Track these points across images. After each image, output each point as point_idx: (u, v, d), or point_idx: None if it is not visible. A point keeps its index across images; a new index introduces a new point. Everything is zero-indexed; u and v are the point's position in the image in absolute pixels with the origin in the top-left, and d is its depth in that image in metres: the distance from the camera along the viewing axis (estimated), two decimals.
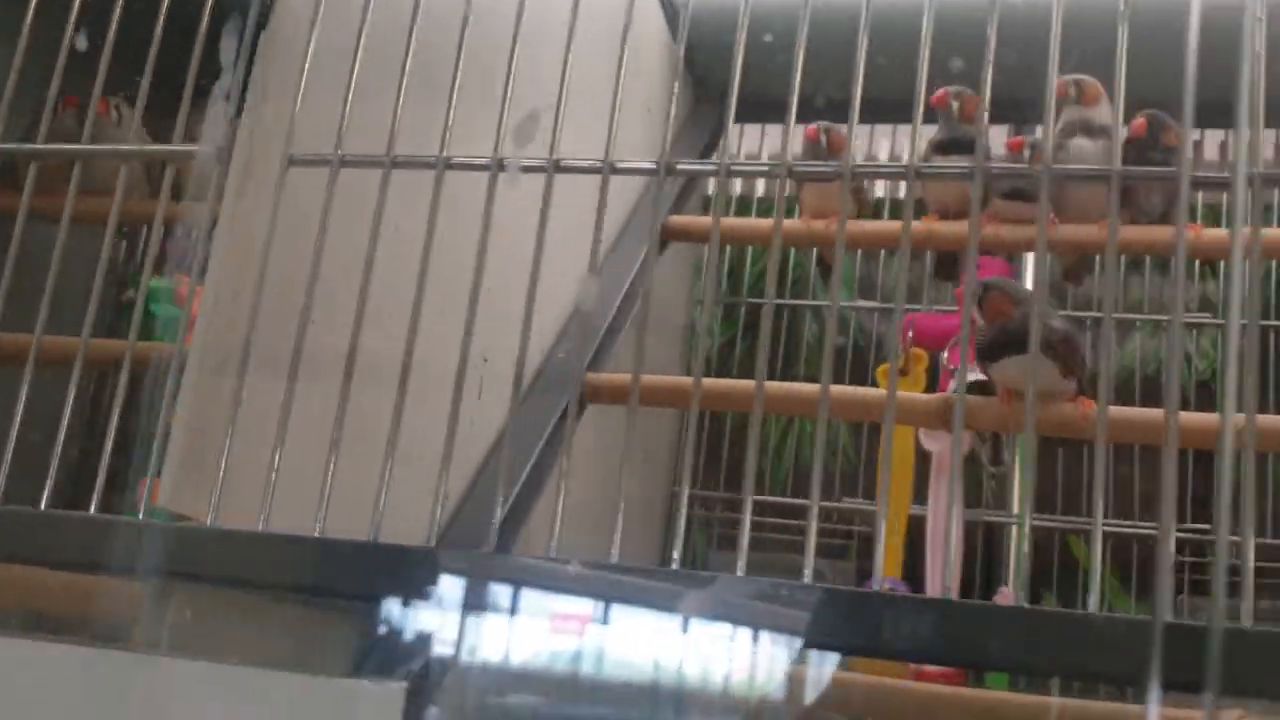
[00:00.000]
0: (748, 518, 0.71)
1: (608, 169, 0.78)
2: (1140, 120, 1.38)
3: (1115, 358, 1.96)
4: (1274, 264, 1.92)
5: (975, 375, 1.28)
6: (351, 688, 0.65)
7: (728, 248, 2.08)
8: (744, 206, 2.16)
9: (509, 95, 0.80)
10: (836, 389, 1.42)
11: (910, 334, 1.53)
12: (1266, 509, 1.80)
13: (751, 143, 2.09)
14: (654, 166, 0.83)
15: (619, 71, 0.79)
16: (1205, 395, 1.91)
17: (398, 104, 0.78)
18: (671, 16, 1.73)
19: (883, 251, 2.01)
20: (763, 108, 1.10)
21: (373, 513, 0.75)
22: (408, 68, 0.80)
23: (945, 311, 1.74)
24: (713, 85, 1.85)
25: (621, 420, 1.46)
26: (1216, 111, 0.83)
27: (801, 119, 1.58)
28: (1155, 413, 1.22)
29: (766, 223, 1.78)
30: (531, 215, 0.78)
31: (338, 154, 0.74)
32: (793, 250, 2.03)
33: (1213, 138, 1.90)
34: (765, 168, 0.72)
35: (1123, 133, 1.48)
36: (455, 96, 0.80)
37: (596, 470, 1.39)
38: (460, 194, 0.81)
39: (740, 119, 2.02)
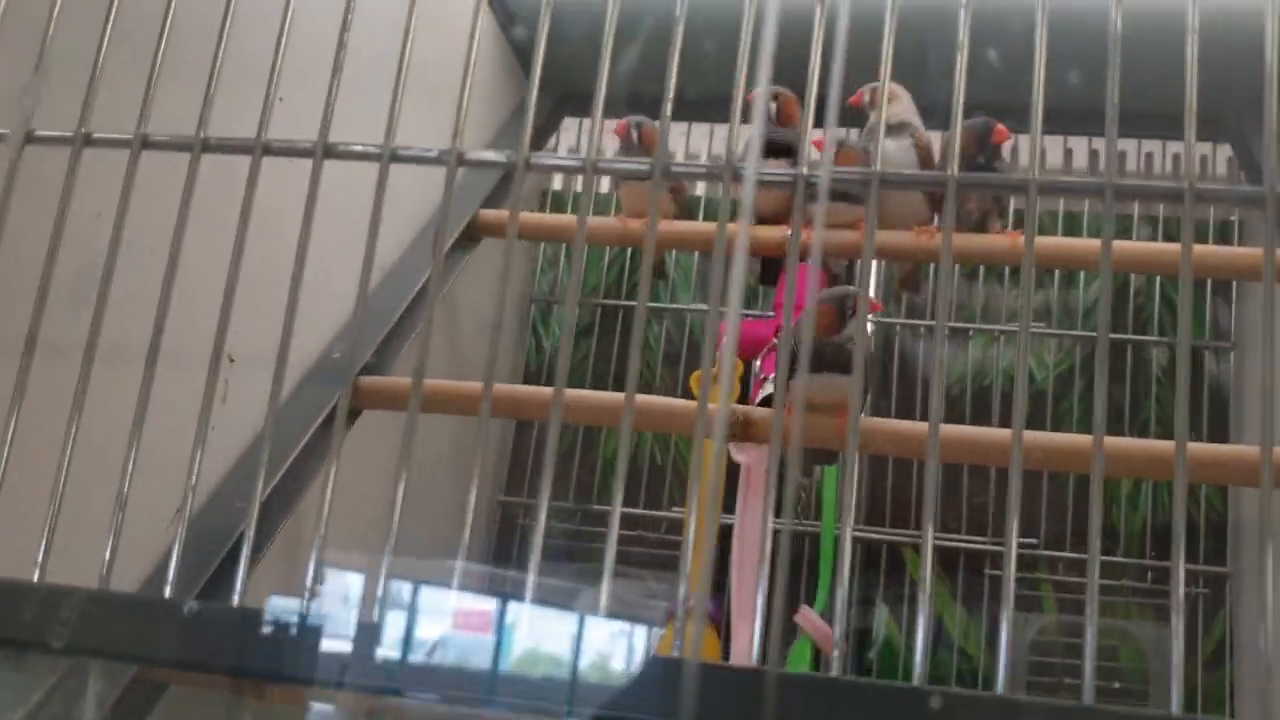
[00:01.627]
0: (615, 532, 0.58)
1: (386, 156, 0.64)
2: (961, 133, 1.35)
3: (947, 369, 1.94)
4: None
5: (769, 389, 1.24)
6: None
7: (564, 246, 2.02)
8: (561, 202, 2.09)
9: (277, 70, 0.70)
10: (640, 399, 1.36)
11: (724, 341, 1.48)
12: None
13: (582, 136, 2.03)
14: (439, 156, 0.68)
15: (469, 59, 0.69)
16: (1041, 406, 1.89)
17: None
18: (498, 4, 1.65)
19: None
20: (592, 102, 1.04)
21: (45, 532, 0.66)
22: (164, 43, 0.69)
23: (759, 318, 1.69)
24: (541, 74, 1.78)
25: (427, 426, 1.38)
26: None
27: (639, 113, 1.53)
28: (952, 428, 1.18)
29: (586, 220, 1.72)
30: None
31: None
32: (628, 251, 1.98)
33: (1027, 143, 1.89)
34: (573, 161, 0.61)
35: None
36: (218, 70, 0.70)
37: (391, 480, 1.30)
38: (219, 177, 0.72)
39: (575, 113, 1.96)
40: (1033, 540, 1.77)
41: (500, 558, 1.86)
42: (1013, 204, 1.46)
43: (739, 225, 1.46)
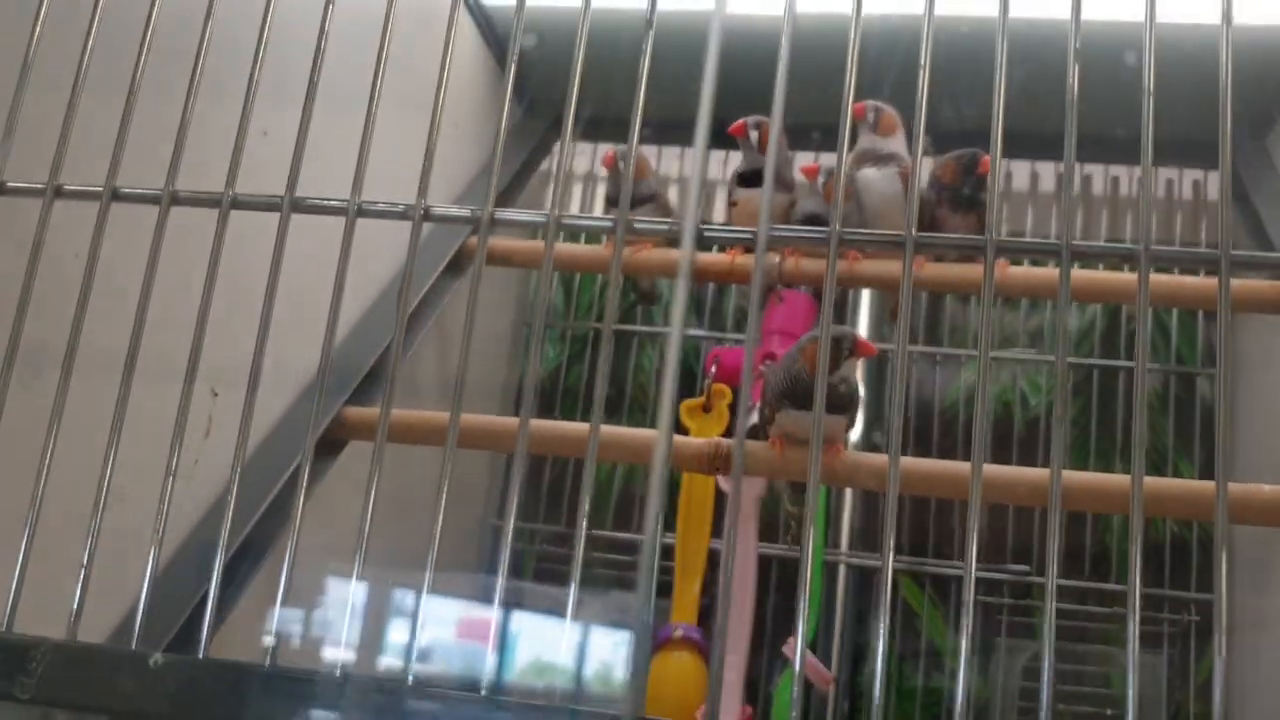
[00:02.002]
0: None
1: (353, 211, 0.65)
2: (949, 163, 1.35)
3: (943, 394, 1.94)
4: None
5: (753, 419, 1.24)
6: None
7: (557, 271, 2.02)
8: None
9: (249, 109, 0.71)
10: (609, 430, 1.35)
11: (713, 369, 1.48)
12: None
13: (584, 160, 2.04)
14: (405, 211, 0.68)
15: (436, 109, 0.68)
16: (1035, 430, 1.89)
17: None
18: (482, 22, 1.66)
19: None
20: (594, 125, 1.04)
21: (14, 580, 0.66)
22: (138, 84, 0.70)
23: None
24: (535, 98, 1.79)
25: (416, 452, 1.39)
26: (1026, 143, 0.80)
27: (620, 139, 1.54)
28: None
29: (575, 248, 1.72)
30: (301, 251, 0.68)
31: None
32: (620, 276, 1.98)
33: (1021, 169, 1.90)
34: (537, 218, 0.62)
35: (923, 165, 1.46)
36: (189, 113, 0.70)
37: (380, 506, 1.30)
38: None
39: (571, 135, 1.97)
40: (1025, 567, 1.76)
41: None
42: (1005, 231, 1.46)
43: (733, 253, 1.46)
